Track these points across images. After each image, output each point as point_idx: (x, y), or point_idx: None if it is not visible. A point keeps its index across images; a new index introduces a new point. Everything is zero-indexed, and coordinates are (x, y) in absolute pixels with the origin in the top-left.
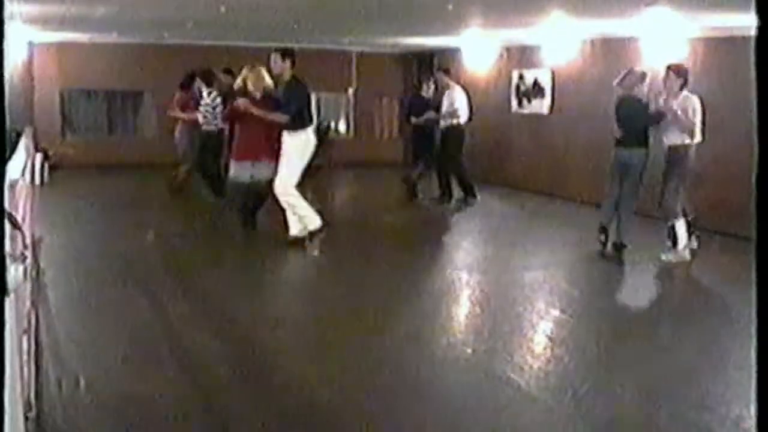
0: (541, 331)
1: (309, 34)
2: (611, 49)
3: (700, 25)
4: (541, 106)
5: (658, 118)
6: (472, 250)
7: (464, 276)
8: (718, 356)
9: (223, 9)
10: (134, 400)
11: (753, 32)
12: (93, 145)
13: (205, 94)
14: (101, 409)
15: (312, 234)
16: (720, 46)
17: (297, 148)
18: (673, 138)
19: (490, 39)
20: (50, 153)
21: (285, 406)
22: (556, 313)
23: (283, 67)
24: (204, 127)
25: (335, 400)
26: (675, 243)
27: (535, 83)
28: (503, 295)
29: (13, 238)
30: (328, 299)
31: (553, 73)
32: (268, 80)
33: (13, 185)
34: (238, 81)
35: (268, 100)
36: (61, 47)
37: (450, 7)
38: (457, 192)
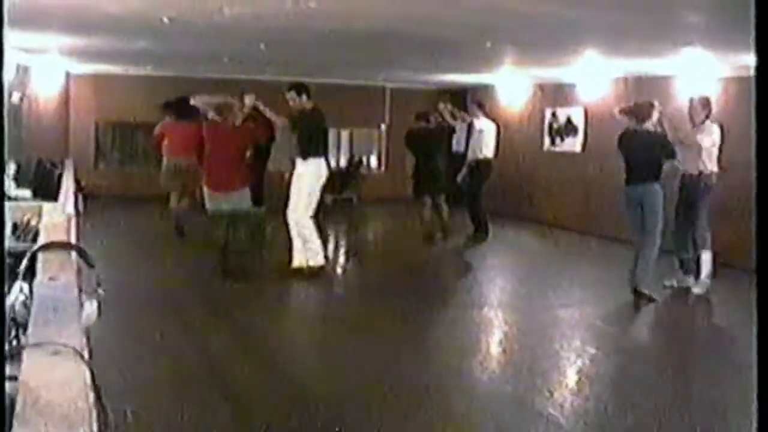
0: (578, 368)
1: (344, 69)
2: (644, 87)
3: (732, 64)
4: (574, 143)
5: (671, 152)
6: (506, 287)
7: (500, 313)
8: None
9: (263, 46)
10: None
11: (751, 72)
12: (125, 176)
13: None
14: None
15: (312, 269)
16: (750, 84)
17: (309, 176)
18: (688, 166)
19: (524, 76)
20: (83, 183)
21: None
22: (592, 350)
23: (300, 101)
24: None
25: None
26: (698, 274)
27: (568, 121)
28: (540, 333)
29: (82, 273)
30: (364, 334)
31: (586, 110)
32: (246, 110)
33: (69, 219)
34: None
35: (246, 127)
36: (97, 79)
37: (489, 44)
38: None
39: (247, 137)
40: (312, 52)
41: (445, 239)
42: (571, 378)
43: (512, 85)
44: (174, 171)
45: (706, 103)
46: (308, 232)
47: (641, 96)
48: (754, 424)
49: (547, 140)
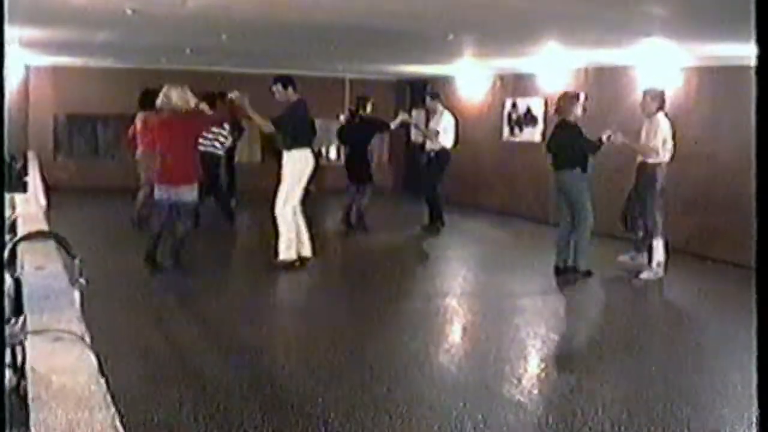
0: (544, 355)
1: (305, 60)
2: (605, 78)
3: (694, 54)
4: (533, 133)
5: (594, 145)
6: (468, 277)
7: (463, 302)
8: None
9: (224, 37)
10: None
11: (749, 62)
12: (84, 169)
13: None
14: None
15: (302, 260)
16: (713, 75)
17: (294, 167)
18: (642, 156)
19: (484, 67)
20: (45, 175)
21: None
22: (557, 337)
23: (285, 94)
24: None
25: (345, 423)
26: (650, 260)
27: (528, 111)
28: (505, 321)
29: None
30: (326, 324)
31: (546, 101)
32: (192, 98)
33: (44, 209)
34: (161, 97)
35: (194, 116)
36: (57, 71)
37: (451, 36)
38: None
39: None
40: (273, 44)
41: (365, 229)
42: (539, 364)
43: (472, 76)
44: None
45: (657, 95)
46: (284, 224)
47: (602, 87)
48: (754, 424)
49: (506, 130)
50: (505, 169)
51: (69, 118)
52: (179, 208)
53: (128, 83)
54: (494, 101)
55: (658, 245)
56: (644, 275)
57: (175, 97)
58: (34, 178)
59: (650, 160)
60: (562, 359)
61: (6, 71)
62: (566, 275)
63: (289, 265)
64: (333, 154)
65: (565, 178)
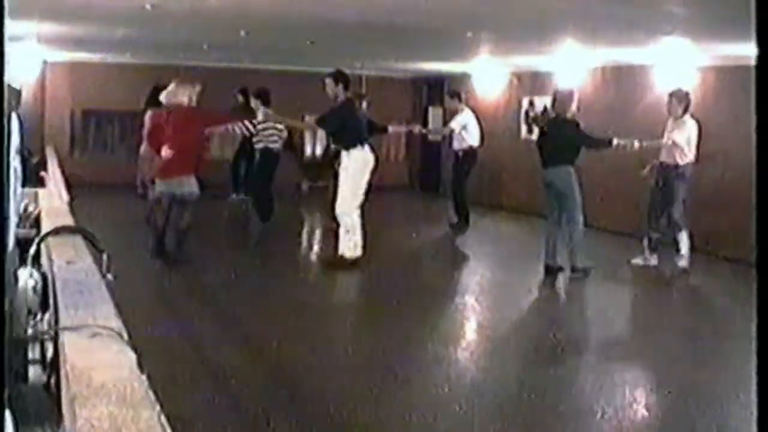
0: (563, 352)
1: (322, 57)
2: (622, 76)
3: (711, 54)
4: None
5: (597, 141)
6: (487, 275)
7: (483, 301)
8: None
9: (243, 33)
10: None
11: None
12: (100, 165)
13: None
14: None
15: (354, 261)
16: (729, 74)
17: (354, 166)
18: (664, 157)
19: (501, 65)
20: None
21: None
22: (582, 336)
23: (335, 90)
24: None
25: (368, 420)
26: (678, 251)
27: (545, 110)
28: (524, 320)
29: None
30: (348, 321)
31: None
32: (196, 94)
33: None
34: (166, 93)
35: (198, 112)
36: (74, 66)
37: (469, 34)
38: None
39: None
40: (290, 40)
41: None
42: (562, 365)
43: (489, 74)
44: None
45: (683, 97)
46: (352, 222)
47: (619, 85)
48: (754, 424)
49: (524, 129)
50: (524, 167)
51: (86, 114)
52: (181, 200)
53: (145, 79)
54: (511, 99)
55: (685, 238)
56: (681, 263)
57: (180, 93)
58: (54, 174)
59: (676, 161)
60: (582, 357)
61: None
62: (559, 274)
63: (347, 264)
64: None
65: (559, 173)
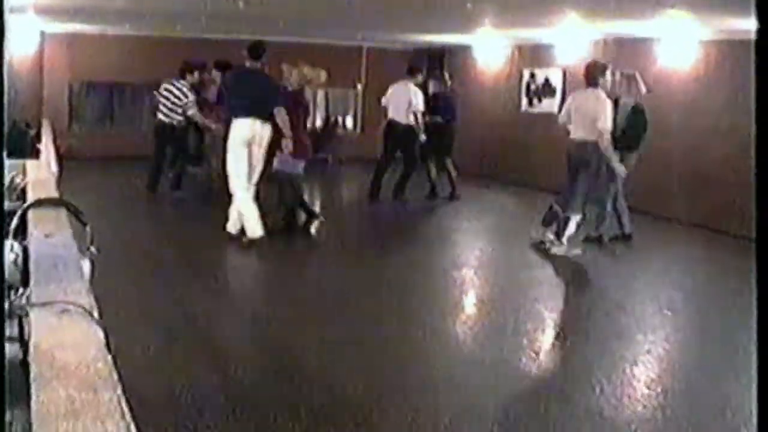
0: (561, 326)
1: (322, 28)
2: (624, 49)
3: (714, 28)
4: (552, 104)
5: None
6: (485, 249)
7: (480, 274)
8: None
9: (241, 4)
10: None
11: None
12: (99, 137)
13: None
14: None
15: (251, 241)
16: (732, 49)
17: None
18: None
19: (502, 37)
20: (58, 143)
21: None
22: (577, 309)
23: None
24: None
25: (364, 399)
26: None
27: (546, 82)
28: (522, 293)
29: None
30: (344, 297)
31: (564, 72)
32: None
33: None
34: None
35: None
36: (72, 38)
37: (469, 5)
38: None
39: None
40: (290, 11)
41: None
42: (555, 336)
43: (490, 46)
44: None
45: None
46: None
47: (621, 58)
48: (755, 424)
49: (524, 101)
50: (524, 140)
51: (84, 86)
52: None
53: (144, 51)
54: (512, 71)
55: (573, 222)
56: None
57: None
58: (46, 146)
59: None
60: (578, 329)
61: (5, 46)
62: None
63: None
64: (350, 123)
65: (580, 147)
